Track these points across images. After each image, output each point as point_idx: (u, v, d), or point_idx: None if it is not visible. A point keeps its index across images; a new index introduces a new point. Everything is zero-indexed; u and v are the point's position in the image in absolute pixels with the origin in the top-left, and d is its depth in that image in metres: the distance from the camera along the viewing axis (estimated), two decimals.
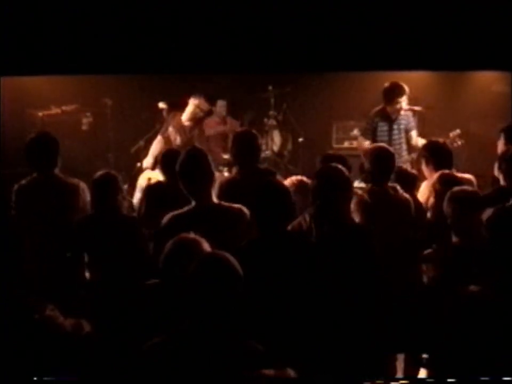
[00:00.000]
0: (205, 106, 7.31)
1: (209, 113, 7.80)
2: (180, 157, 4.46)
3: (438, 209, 4.88)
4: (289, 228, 4.22)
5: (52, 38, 6.57)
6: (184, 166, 4.38)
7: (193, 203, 4.28)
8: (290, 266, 3.77)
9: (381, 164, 4.92)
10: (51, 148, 5.13)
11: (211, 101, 7.74)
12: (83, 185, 5.10)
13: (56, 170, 5.12)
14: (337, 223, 4.12)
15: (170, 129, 7.32)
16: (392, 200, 4.83)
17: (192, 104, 7.24)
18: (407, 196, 4.94)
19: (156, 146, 7.29)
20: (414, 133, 6.99)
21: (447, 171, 5.07)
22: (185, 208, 4.29)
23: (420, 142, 6.75)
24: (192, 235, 3.49)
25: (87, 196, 5.06)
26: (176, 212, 4.29)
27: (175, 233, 3.60)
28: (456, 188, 4.38)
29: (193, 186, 4.30)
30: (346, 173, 4.31)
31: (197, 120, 7.36)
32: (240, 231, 4.09)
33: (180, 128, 7.27)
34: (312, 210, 4.22)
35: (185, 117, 7.29)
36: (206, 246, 3.45)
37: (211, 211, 4.22)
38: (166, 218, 4.29)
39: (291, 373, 2.51)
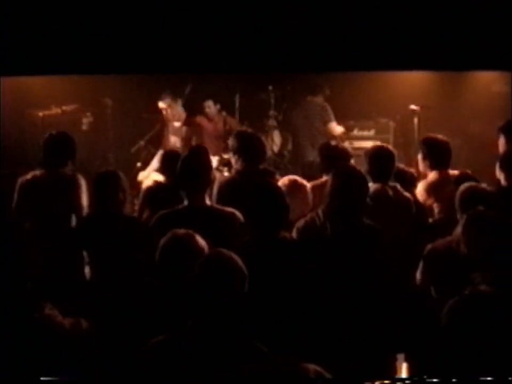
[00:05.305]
0: (173, 101, 7.27)
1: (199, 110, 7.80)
2: (184, 157, 4.47)
3: (442, 211, 4.92)
4: (302, 222, 4.24)
5: (52, 38, 6.58)
6: (184, 163, 4.39)
7: (185, 202, 4.29)
8: (279, 271, 3.77)
9: (380, 163, 4.93)
10: (61, 148, 5.23)
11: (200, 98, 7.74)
12: (80, 178, 5.18)
13: (64, 170, 5.20)
14: (352, 222, 4.13)
15: (171, 136, 7.32)
16: (392, 200, 4.83)
17: (163, 109, 7.25)
18: (407, 195, 4.94)
19: (156, 161, 7.23)
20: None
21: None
22: (176, 208, 4.29)
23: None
24: (184, 230, 3.49)
25: (84, 188, 5.13)
26: (165, 211, 4.30)
27: (163, 231, 3.60)
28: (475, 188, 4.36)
29: (187, 185, 4.30)
30: (363, 173, 4.34)
31: (183, 117, 7.34)
32: (230, 235, 4.05)
33: (176, 131, 7.27)
34: (326, 208, 4.22)
35: (172, 120, 7.31)
36: (200, 240, 3.46)
37: (201, 213, 4.20)
38: (155, 217, 4.29)
39: None
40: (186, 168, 4.37)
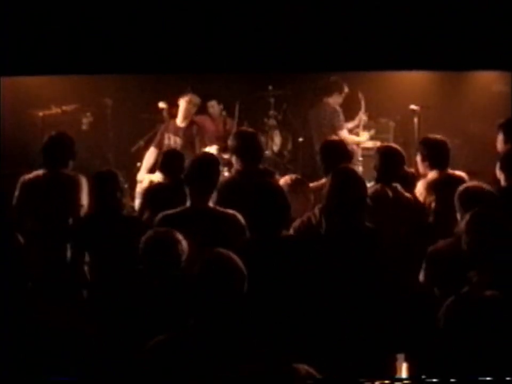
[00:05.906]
0: (196, 99, 7.29)
1: (202, 110, 7.79)
2: (194, 158, 4.53)
3: (442, 211, 4.92)
4: (298, 221, 4.24)
5: (52, 38, 6.58)
6: (195, 162, 4.42)
7: (187, 203, 4.29)
8: (280, 271, 3.77)
9: (388, 164, 4.95)
10: (63, 148, 5.28)
11: (203, 98, 7.76)
12: (82, 178, 5.22)
13: (66, 170, 5.24)
14: (349, 222, 4.13)
15: (171, 136, 7.28)
16: (391, 200, 4.84)
17: (184, 102, 7.22)
18: (408, 195, 4.94)
19: (150, 158, 7.22)
20: None
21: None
22: (179, 209, 4.30)
23: None
24: (163, 228, 3.57)
25: (85, 189, 5.17)
26: (168, 212, 4.30)
27: None
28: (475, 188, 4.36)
29: (193, 185, 4.30)
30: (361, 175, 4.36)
31: (190, 117, 7.31)
32: (232, 237, 4.05)
33: (177, 131, 7.25)
34: (323, 207, 4.22)
35: (179, 117, 7.27)
36: (179, 236, 3.55)
37: (203, 214, 4.22)
38: (157, 218, 4.30)
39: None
40: (196, 168, 4.39)
